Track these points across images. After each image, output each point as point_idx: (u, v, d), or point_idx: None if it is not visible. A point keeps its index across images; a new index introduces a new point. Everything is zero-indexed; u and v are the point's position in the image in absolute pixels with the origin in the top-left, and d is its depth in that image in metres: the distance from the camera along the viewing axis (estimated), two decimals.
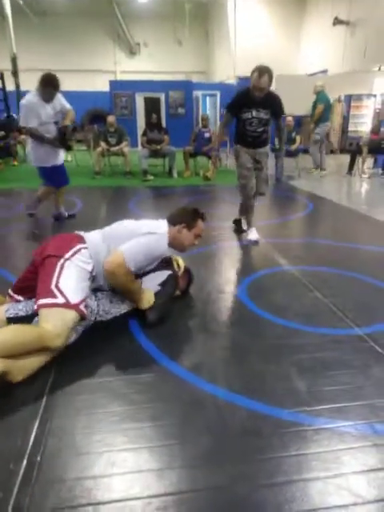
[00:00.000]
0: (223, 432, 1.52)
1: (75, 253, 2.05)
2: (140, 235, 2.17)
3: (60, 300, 1.86)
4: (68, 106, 4.32)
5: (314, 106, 7.86)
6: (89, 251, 2.12)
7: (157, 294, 2.30)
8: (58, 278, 1.93)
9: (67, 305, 1.86)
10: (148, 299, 2.27)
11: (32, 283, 2.03)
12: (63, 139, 4.21)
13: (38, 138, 4.09)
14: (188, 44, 18.10)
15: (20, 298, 2.13)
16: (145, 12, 17.01)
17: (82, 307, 1.94)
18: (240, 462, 1.39)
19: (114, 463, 1.39)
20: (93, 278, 2.14)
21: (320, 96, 7.82)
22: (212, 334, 2.23)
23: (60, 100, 4.23)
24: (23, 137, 9.76)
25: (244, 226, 4.20)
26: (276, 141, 7.67)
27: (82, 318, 1.96)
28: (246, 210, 4.06)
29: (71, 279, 1.96)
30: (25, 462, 1.37)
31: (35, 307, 1.89)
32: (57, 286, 1.90)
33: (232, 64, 14.97)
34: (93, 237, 2.23)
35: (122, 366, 1.93)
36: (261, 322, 2.38)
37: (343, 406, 1.66)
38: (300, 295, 2.70)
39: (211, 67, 18.71)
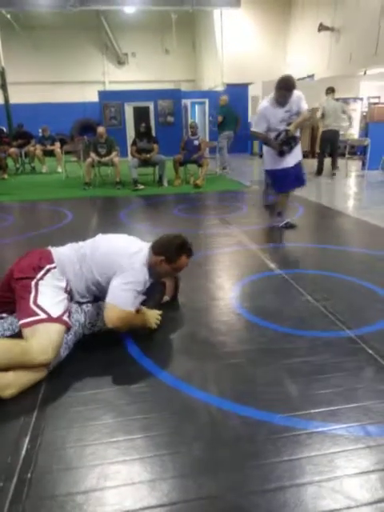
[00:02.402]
0: (215, 440, 1.51)
1: (45, 273, 2.05)
2: (119, 274, 2.07)
3: (42, 316, 1.86)
4: (304, 107, 4.15)
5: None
6: (58, 270, 2.10)
7: (144, 303, 2.28)
8: (35, 297, 1.93)
9: (50, 319, 1.86)
10: (154, 318, 2.24)
11: (6, 300, 2.04)
12: (283, 142, 4.08)
13: (263, 140, 4.17)
14: (176, 53, 18.25)
15: (3, 315, 2.09)
16: (132, 23, 17.14)
17: (65, 318, 1.94)
18: (232, 469, 1.38)
19: (106, 476, 1.37)
20: (70, 293, 2.13)
21: (220, 109, 9.31)
22: (203, 342, 2.22)
23: (298, 101, 4.10)
24: (13, 150, 9.80)
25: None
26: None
27: (68, 328, 1.96)
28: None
29: (48, 295, 1.97)
30: (15, 479, 1.35)
31: (18, 327, 1.89)
32: (36, 304, 1.90)
33: (220, 71, 15.10)
34: (62, 254, 2.19)
35: (113, 377, 1.92)
36: (252, 328, 2.38)
37: (336, 409, 1.66)
38: (291, 299, 2.71)
39: (199, 75, 18.86)
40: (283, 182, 4.35)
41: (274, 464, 1.40)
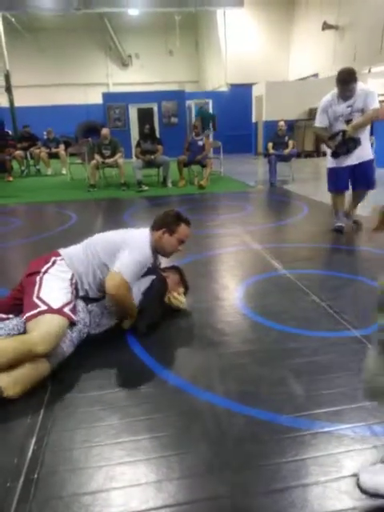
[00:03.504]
0: (221, 440, 1.51)
1: (51, 265, 2.12)
2: (124, 248, 2.18)
3: (43, 308, 1.91)
4: (371, 104, 3.78)
5: None
6: (65, 262, 2.18)
7: (142, 303, 2.28)
8: (39, 290, 1.99)
9: (50, 310, 1.90)
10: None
11: (19, 302, 2.06)
12: (340, 144, 3.85)
13: (320, 138, 4.03)
14: (179, 54, 18.26)
15: (10, 315, 2.10)
16: (135, 24, 17.19)
17: (66, 310, 1.96)
18: (238, 470, 1.38)
19: (112, 477, 1.38)
20: (75, 286, 2.17)
21: (199, 111, 10.45)
22: (208, 342, 2.23)
23: (365, 97, 3.78)
24: (19, 152, 9.86)
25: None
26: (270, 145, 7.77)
27: (71, 322, 1.98)
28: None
29: (51, 288, 2.02)
30: (22, 479, 1.36)
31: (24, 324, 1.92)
32: (38, 297, 1.95)
33: (223, 72, 15.10)
34: (70, 249, 2.30)
35: (119, 378, 1.93)
36: (257, 328, 2.37)
37: (341, 409, 1.65)
38: (296, 299, 2.70)
39: (203, 76, 18.87)
40: (335, 180, 4.12)
41: (279, 464, 1.40)
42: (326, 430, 1.55)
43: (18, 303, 2.08)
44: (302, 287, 2.88)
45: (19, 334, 1.97)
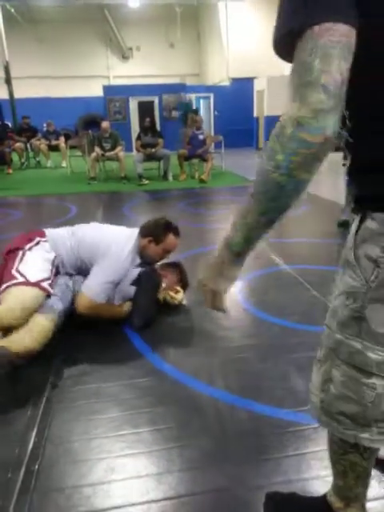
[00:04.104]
0: (222, 434, 1.52)
1: (35, 244, 2.14)
2: (103, 258, 2.13)
3: (19, 279, 1.94)
4: None
5: None
6: (49, 244, 2.19)
7: (135, 297, 2.26)
8: (18, 263, 2.02)
9: (26, 283, 1.93)
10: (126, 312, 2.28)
11: None
12: None
13: None
14: (180, 47, 18.12)
15: None
16: (136, 16, 17.04)
17: (43, 285, 1.98)
18: (239, 463, 1.39)
19: (112, 469, 1.38)
20: (56, 268, 2.19)
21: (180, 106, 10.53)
22: (209, 336, 2.22)
23: None
24: (18, 144, 9.80)
25: None
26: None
27: (48, 295, 2.00)
28: None
29: (31, 263, 2.06)
30: (23, 470, 1.36)
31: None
32: (17, 270, 1.99)
33: (225, 65, 15.00)
34: (54, 232, 2.31)
35: (120, 371, 1.93)
36: (258, 322, 2.37)
37: None
38: (297, 294, 2.70)
39: (204, 69, 18.74)
40: None
41: (280, 458, 1.40)
42: None
43: None
44: (302, 282, 2.87)
45: None
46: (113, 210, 5.52)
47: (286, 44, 0.64)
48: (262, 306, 2.54)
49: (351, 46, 0.60)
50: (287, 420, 1.57)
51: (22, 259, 2.05)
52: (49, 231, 2.30)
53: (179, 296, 2.53)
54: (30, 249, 2.12)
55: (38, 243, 2.17)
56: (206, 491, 1.29)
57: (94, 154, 7.61)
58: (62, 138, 10.24)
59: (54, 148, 10.16)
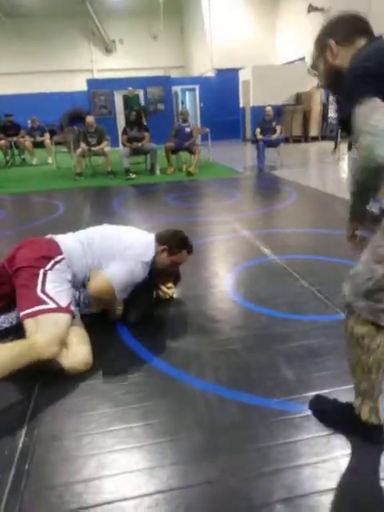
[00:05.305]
0: (213, 426, 1.52)
1: (54, 264, 2.00)
2: (126, 258, 2.09)
3: (51, 305, 1.84)
4: None
5: None
6: (65, 262, 2.06)
7: (133, 293, 2.24)
8: (43, 285, 1.89)
9: (59, 309, 1.85)
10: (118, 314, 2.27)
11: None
12: None
13: None
14: (164, 39, 17.93)
15: None
16: (118, 9, 16.82)
17: (71, 308, 1.94)
18: (230, 454, 1.39)
19: (104, 465, 1.38)
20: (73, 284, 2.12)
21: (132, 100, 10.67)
22: (199, 329, 2.23)
23: None
24: (3, 142, 9.65)
25: None
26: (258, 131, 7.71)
27: (73, 317, 1.96)
28: None
29: (56, 284, 1.94)
30: (13, 470, 1.35)
31: (20, 317, 1.84)
32: (44, 292, 1.87)
33: (209, 57, 14.90)
34: (70, 246, 2.14)
35: (110, 367, 1.92)
36: (247, 313, 2.38)
37: (332, 391, 1.66)
38: (286, 284, 2.71)
39: (189, 61, 18.60)
40: None
41: (270, 447, 1.41)
42: None
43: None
44: (291, 272, 2.88)
45: (11, 327, 1.94)
46: (102, 206, 5.47)
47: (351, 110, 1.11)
48: (251, 297, 2.55)
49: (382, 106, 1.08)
50: (277, 409, 1.58)
51: (44, 280, 1.91)
52: (62, 244, 2.13)
53: (171, 290, 2.53)
54: (51, 269, 1.97)
55: (56, 262, 2.02)
56: (198, 483, 1.29)
57: (79, 150, 7.53)
58: (47, 135, 10.11)
59: (39, 144, 10.04)
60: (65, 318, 1.85)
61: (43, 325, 1.77)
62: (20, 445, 1.46)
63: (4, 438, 1.49)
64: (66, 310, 1.88)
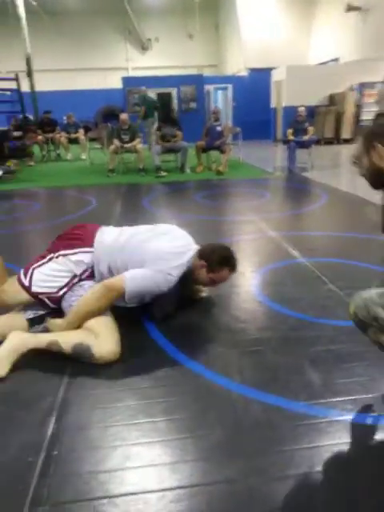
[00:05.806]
0: (236, 425, 1.53)
1: (76, 253, 2.14)
2: (155, 266, 2.00)
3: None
4: None
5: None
6: (90, 255, 2.14)
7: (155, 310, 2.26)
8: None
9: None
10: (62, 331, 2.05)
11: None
12: None
13: None
14: (199, 38, 17.96)
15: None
16: (155, 7, 16.97)
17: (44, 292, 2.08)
18: (252, 455, 1.40)
19: (128, 457, 1.41)
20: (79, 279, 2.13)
21: (142, 99, 10.55)
22: (225, 329, 2.24)
23: None
24: (40, 137, 9.92)
25: None
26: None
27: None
28: None
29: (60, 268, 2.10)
30: (43, 455, 1.41)
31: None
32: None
33: (243, 56, 14.81)
34: (106, 242, 2.18)
35: (136, 361, 1.96)
36: (274, 315, 2.37)
37: (357, 398, 1.65)
38: (314, 287, 2.68)
39: (222, 60, 18.56)
40: None
41: (293, 451, 1.41)
42: (342, 418, 1.55)
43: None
44: (319, 276, 2.85)
45: (46, 313, 2.08)
46: (132, 203, 5.55)
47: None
48: (278, 298, 2.54)
49: None
50: (302, 413, 1.58)
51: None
52: (102, 239, 2.19)
53: (202, 292, 2.55)
54: (65, 255, 2.13)
55: (82, 253, 2.14)
56: (220, 481, 1.31)
57: (112, 146, 7.65)
58: (82, 131, 10.32)
59: (74, 140, 10.26)
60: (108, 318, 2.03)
61: (97, 327, 1.96)
62: (50, 431, 1.51)
63: (35, 425, 1.55)
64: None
